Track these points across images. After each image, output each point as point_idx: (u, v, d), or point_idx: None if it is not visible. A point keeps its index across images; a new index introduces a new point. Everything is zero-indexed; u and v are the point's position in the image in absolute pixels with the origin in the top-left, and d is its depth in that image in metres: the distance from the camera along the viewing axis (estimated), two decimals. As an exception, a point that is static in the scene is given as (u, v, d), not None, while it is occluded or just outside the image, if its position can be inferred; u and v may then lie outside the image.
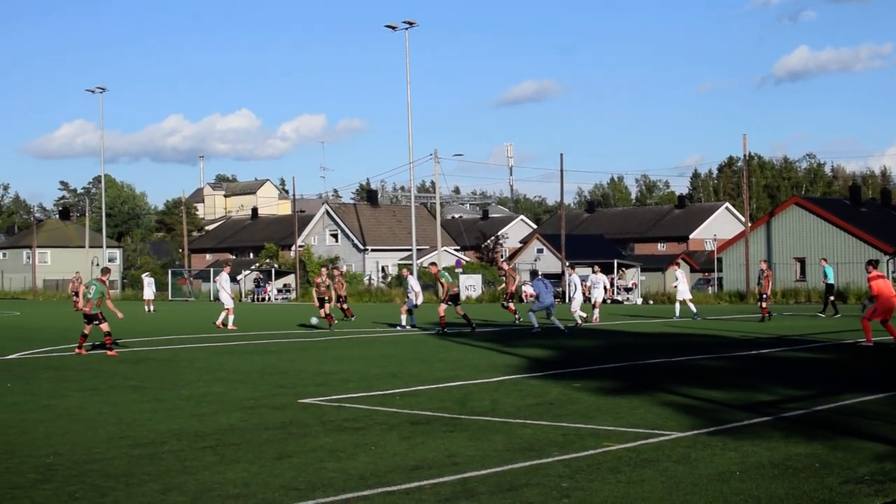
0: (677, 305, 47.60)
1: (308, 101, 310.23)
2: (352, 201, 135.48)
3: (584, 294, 42.20)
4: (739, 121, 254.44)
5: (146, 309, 61.82)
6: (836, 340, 30.60)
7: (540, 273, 39.40)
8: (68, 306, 71.02)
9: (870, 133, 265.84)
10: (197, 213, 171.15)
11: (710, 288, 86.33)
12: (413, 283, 40.01)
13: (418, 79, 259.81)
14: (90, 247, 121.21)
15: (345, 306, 46.33)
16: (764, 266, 43.52)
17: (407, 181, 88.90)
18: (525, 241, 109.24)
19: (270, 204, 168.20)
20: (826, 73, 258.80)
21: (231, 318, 39.83)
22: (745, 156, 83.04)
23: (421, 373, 22.09)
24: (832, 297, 48.35)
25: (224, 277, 42.46)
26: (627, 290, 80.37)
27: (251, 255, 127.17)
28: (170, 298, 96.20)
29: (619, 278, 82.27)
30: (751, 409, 15.91)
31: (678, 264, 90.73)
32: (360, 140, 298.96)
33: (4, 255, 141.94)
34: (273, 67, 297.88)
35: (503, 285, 39.85)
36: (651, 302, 76.33)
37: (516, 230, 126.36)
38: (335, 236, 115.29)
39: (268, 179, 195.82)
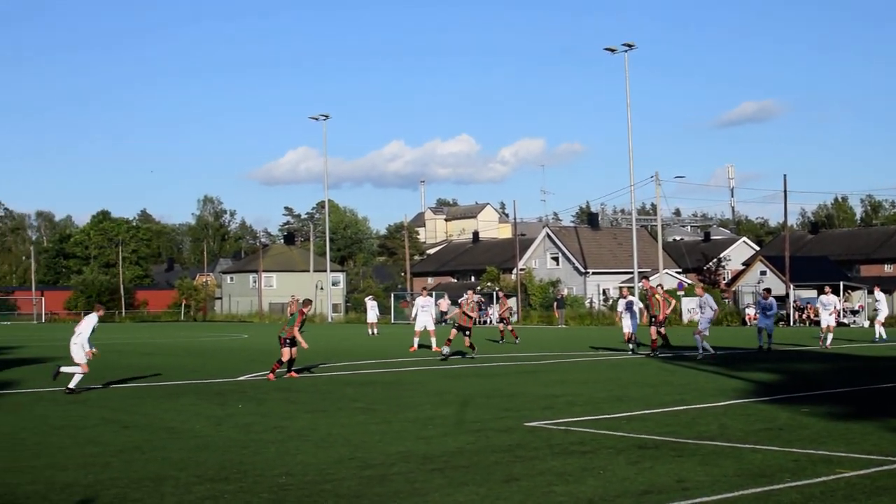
0: (878, 328, 46.67)
1: (527, 125, 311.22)
2: (572, 224, 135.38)
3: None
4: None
5: (370, 332, 62.65)
6: None
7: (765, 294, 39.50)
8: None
9: None
10: (418, 237, 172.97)
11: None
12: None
13: (637, 101, 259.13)
14: (314, 271, 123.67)
15: (509, 328, 47.44)
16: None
17: (627, 204, 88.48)
18: (748, 264, 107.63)
19: (491, 227, 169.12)
20: None
21: (433, 339, 40.33)
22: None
23: (647, 396, 21.94)
24: None
25: (420, 301, 43.04)
26: (854, 312, 78.54)
27: (472, 278, 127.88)
28: (392, 321, 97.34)
29: (845, 301, 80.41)
30: None
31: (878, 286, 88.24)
32: (580, 163, 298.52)
33: (232, 279, 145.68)
34: (493, 92, 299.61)
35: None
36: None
37: (738, 252, 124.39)
38: (556, 259, 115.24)
39: (488, 203, 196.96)
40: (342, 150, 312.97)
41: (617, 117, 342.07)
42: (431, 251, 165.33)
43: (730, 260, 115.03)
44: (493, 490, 11.80)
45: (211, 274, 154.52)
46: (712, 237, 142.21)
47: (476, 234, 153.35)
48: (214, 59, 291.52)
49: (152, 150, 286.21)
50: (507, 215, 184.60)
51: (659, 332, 36.56)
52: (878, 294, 46.33)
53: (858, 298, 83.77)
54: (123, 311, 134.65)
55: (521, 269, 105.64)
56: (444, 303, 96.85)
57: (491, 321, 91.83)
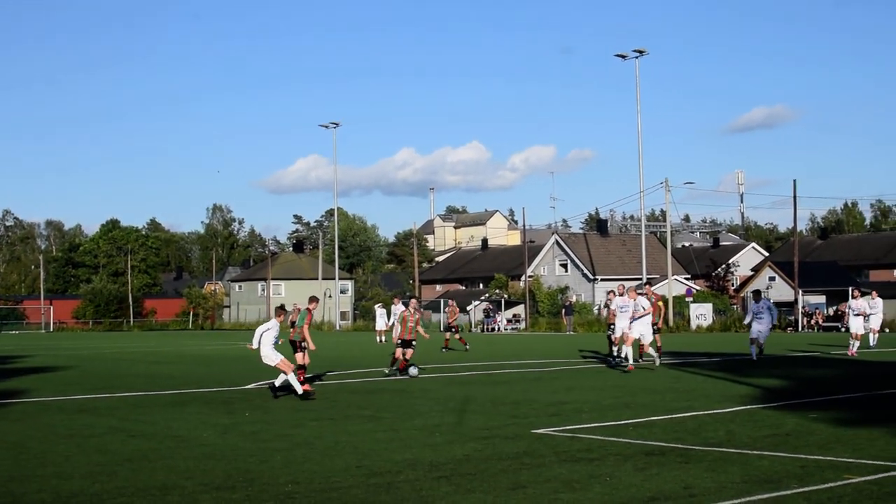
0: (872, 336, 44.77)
1: (538, 133, 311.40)
2: (581, 231, 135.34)
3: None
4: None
5: (378, 339, 62.68)
6: None
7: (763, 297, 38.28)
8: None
9: None
10: (427, 244, 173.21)
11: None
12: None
13: (648, 107, 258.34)
14: (323, 278, 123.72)
15: (457, 336, 47.36)
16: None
17: (636, 210, 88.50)
18: (756, 269, 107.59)
19: (500, 235, 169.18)
20: None
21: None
22: None
23: (653, 403, 21.92)
24: None
25: (394, 310, 43.61)
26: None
27: (481, 285, 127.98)
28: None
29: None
30: None
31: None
32: (590, 170, 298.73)
33: (240, 287, 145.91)
34: (503, 100, 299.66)
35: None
36: (888, 330, 74.26)
37: (747, 258, 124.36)
38: (565, 266, 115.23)
39: (497, 210, 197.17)
40: (352, 157, 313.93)
41: (627, 124, 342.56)
42: (440, 258, 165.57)
43: (738, 266, 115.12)
44: (499, 497, 11.80)
45: (219, 282, 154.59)
46: (721, 243, 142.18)
47: (485, 241, 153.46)
48: (224, 68, 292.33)
49: (161, 159, 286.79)
50: (516, 222, 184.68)
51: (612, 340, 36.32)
52: (876, 300, 45.66)
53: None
54: (132, 319, 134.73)
55: (530, 276, 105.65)
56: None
57: (498, 328, 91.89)
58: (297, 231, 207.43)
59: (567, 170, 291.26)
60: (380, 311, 67.11)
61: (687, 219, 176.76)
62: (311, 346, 26.86)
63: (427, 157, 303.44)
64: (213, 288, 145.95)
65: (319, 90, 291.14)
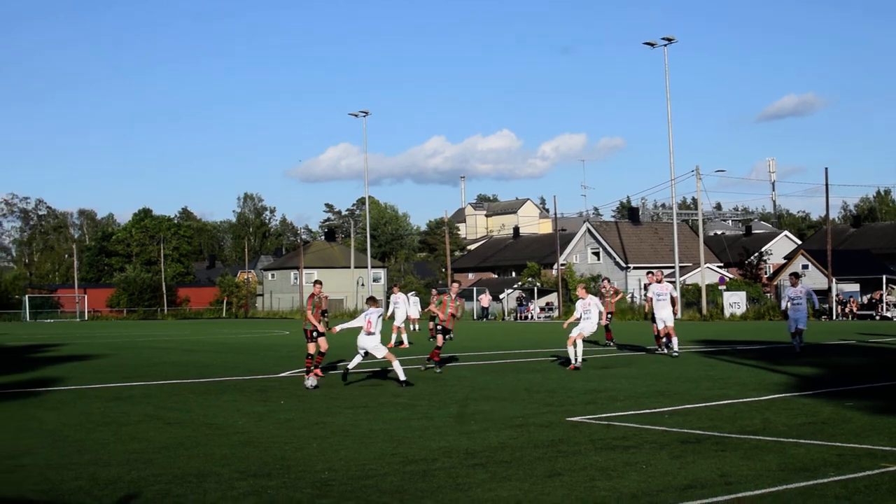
0: None
1: (569, 121, 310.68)
2: (612, 219, 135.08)
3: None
4: None
5: (411, 328, 62.66)
6: None
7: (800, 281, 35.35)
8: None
9: None
10: (459, 232, 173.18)
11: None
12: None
13: (678, 95, 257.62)
14: (355, 267, 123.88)
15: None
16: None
17: (668, 198, 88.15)
18: (789, 258, 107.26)
19: (531, 223, 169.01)
20: None
21: (404, 335, 41.79)
22: None
23: (689, 391, 21.86)
24: None
25: (393, 299, 43.76)
26: (896, 306, 78.05)
27: (513, 273, 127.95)
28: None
29: (888, 294, 79.93)
30: None
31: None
32: (621, 158, 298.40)
33: (273, 276, 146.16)
34: (534, 87, 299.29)
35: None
36: (924, 318, 73.92)
37: (780, 246, 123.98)
38: (597, 254, 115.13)
39: (528, 199, 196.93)
40: (383, 146, 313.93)
41: (658, 112, 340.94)
42: (472, 247, 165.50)
43: (771, 254, 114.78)
44: (535, 485, 11.80)
45: (252, 271, 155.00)
46: (753, 231, 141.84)
47: (517, 229, 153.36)
48: (254, 56, 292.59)
49: (193, 148, 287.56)
50: (547, 210, 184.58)
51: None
52: None
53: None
54: (165, 308, 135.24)
55: (562, 264, 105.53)
56: (486, 298, 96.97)
57: (531, 316, 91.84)
58: (328, 219, 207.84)
59: (598, 158, 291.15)
60: (412, 300, 67.03)
61: (718, 207, 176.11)
62: (331, 329, 25.67)
63: (457, 146, 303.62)
64: (245, 276, 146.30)
65: (350, 79, 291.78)
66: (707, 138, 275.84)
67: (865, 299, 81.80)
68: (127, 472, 13.08)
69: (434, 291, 52.42)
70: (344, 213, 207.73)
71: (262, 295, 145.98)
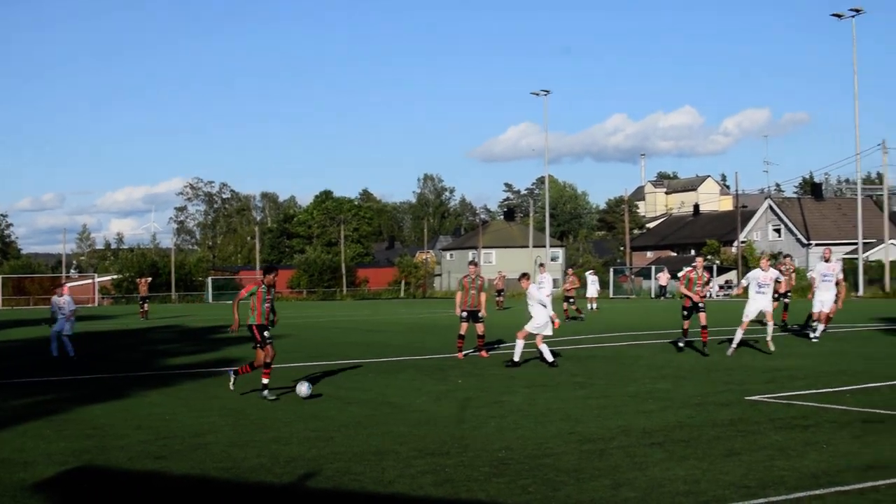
0: None
1: (752, 96, 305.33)
2: (795, 195, 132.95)
3: None
4: None
5: (589, 307, 62.50)
6: None
7: None
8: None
9: None
10: (638, 210, 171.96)
11: None
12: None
13: (866, 68, 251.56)
14: (534, 246, 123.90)
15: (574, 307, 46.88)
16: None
17: (852, 174, 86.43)
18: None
19: (711, 200, 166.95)
20: None
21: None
22: None
23: (871, 370, 21.43)
24: None
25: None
26: None
27: (692, 251, 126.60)
28: (611, 296, 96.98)
29: None
30: None
31: None
32: (805, 133, 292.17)
33: (451, 255, 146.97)
34: (717, 63, 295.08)
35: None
36: None
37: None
38: (778, 231, 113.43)
39: (709, 176, 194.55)
40: (563, 124, 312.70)
41: (845, 85, 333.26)
42: (651, 225, 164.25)
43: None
44: (714, 464, 11.71)
45: (431, 251, 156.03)
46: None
47: (696, 206, 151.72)
48: (436, 39, 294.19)
49: (374, 130, 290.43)
50: (728, 187, 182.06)
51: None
52: None
53: None
54: (345, 289, 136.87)
55: (742, 242, 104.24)
56: (664, 276, 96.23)
57: (710, 295, 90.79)
58: (507, 199, 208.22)
59: (781, 133, 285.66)
60: (591, 279, 66.88)
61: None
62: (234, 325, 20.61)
63: (638, 123, 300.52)
64: (424, 257, 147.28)
65: (531, 58, 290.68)
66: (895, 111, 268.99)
67: None
68: (307, 449, 13.31)
69: (569, 270, 52.44)
70: (523, 192, 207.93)
71: (440, 275, 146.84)
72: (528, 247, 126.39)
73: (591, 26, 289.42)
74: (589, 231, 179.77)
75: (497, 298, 69.65)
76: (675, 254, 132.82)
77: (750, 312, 26.76)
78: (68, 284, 36.28)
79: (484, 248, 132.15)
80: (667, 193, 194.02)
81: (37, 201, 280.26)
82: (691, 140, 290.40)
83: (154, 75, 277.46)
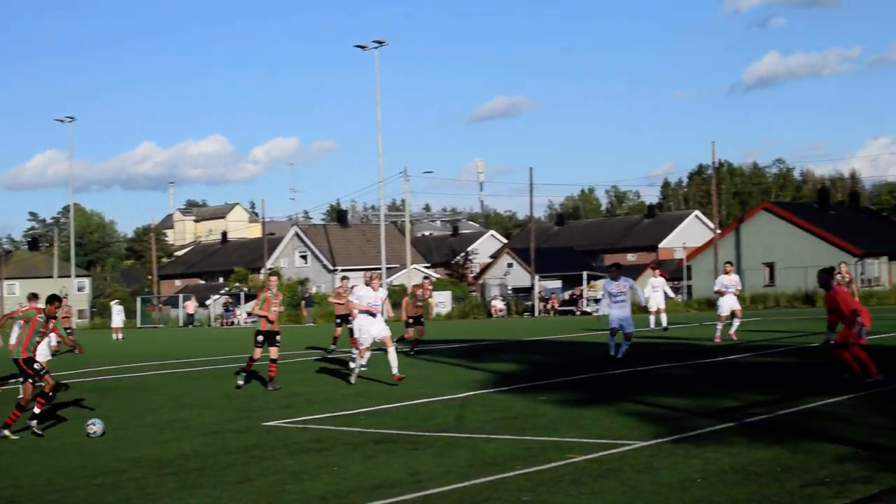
0: (652, 317, 42.16)
1: (281, 125, 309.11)
2: (322, 222, 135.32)
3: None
4: (710, 129, 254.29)
5: (115, 337, 61.53)
6: (802, 345, 30.70)
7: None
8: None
9: (839, 137, 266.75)
10: (166, 239, 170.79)
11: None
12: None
13: (390, 97, 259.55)
14: (59, 276, 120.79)
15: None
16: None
17: (377, 200, 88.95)
18: (495, 256, 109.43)
19: (240, 228, 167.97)
20: (796, 79, 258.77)
21: None
22: (713, 163, 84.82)
23: (387, 391, 21.96)
24: None
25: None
26: (597, 301, 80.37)
27: (221, 279, 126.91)
28: (139, 325, 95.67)
29: (588, 289, 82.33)
30: (714, 415, 15.93)
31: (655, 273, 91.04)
32: (332, 161, 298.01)
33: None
34: (246, 92, 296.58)
35: None
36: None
37: (486, 245, 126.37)
38: (304, 257, 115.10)
39: (237, 203, 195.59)
40: (92, 152, 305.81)
41: (369, 114, 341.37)
42: (180, 253, 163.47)
43: (478, 253, 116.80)
44: (226, 492, 11.75)
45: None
46: (461, 231, 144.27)
47: (225, 234, 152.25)
48: None
49: None
50: (256, 215, 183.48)
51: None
52: (656, 279, 43.01)
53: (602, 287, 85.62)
54: None
55: (269, 269, 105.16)
56: (191, 304, 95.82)
57: (238, 322, 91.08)
58: (32, 228, 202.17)
59: (310, 161, 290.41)
60: (116, 308, 65.87)
61: (427, 208, 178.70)
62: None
63: (168, 151, 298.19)
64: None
65: (55, 83, 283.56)
66: (418, 139, 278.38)
67: (567, 295, 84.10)
68: None
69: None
70: (49, 221, 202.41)
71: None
72: (52, 277, 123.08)
73: (122, 50, 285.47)
74: (117, 260, 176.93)
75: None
76: (203, 282, 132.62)
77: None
78: None
79: (7, 279, 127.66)
80: (196, 221, 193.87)
81: None
82: (221, 168, 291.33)
83: None
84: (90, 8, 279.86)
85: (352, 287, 28.65)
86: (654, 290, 41.65)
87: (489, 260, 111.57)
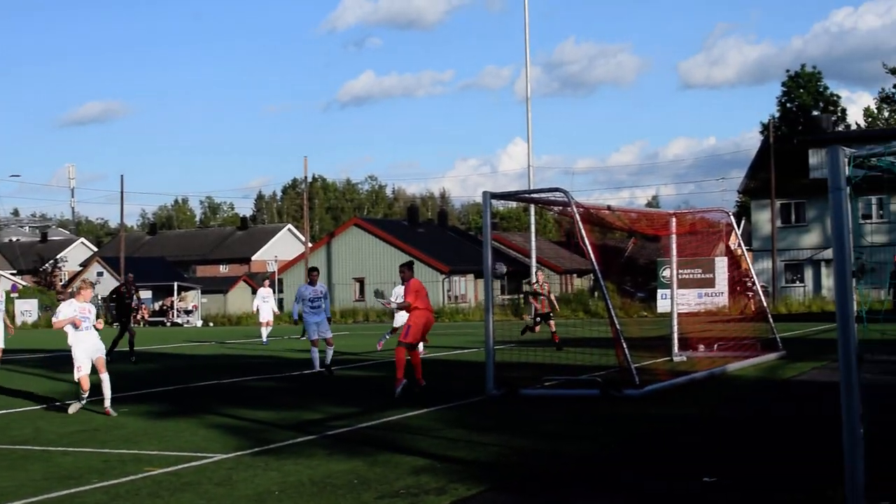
0: (264, 329, 41.97)
1: None
2: None
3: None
4: (305, 144, 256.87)
5: None
6: (387, 359, 31.37)
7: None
8: None
9: (431, 157, 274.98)
10: None
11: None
12: None
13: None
14: None
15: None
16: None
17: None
18: (85, 264, 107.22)
19: None
20: (390, 98, 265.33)
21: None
22: (305, 177, 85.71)
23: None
24: None
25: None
26: (188, 312, 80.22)
27: None
28: None
29: (179, 300, 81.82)
30: (297, 428, 16.14)
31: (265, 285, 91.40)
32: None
33: None
34: None
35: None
36: (212, 324, 76.33)
37: (76, 253, 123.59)
38: None
39: None
40: None
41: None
42: None
43: (67, 261, 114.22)
44: None
45: None
46: (51, 238, 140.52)
47: None
48: None
49: None
50: None
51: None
52: (265, 290, 43.05)
53: (193, 298, 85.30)
54: None
55: None
56: None
57: None
58: None
59: None
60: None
61: (16, 213, 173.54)
62: None
63: None
64: None
65: None
66: (8, 144, 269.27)
67: (157, 306, 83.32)
68: None
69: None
70: None
71: None
72: None
73: None
74: None
75: None
76: None
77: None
78: None
79: None
80: None
81: None
82: None
83: None
84: None
85: None
86: (265, 301, 41.79)
87: (79, 268, 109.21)
